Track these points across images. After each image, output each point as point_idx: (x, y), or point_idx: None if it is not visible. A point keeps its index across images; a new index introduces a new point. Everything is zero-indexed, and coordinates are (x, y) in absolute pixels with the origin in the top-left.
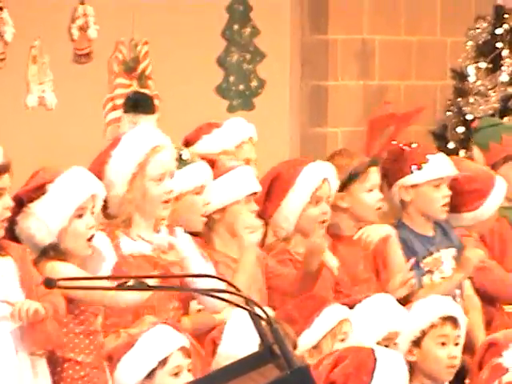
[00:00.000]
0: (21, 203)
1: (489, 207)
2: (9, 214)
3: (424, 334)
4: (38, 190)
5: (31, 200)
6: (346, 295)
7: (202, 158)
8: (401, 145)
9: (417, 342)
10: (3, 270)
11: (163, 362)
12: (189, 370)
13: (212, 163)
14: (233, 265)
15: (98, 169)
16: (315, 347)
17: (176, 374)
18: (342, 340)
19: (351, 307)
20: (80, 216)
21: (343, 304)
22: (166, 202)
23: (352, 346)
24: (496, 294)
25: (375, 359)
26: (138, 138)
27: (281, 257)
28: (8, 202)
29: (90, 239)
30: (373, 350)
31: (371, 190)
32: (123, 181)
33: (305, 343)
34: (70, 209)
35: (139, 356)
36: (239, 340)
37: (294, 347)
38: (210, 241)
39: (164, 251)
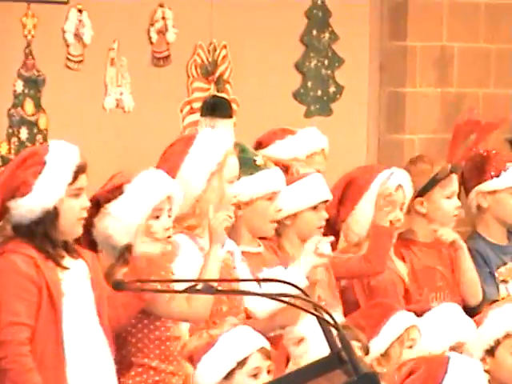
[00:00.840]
0: (98, 205)
1: None
2: (86, 214)
3: (498, 343)
4: (116, 191)
5: (108, 200)
6: (416, 302)
7: (276, 163)
8: (481, 151)
9: (490, 351)
10: (78, 272)
11: (242, 363)
12: (268, 372)
13: (285, 169)
14: None
15: (170, 167)
16: (383, 355)
17: (255, 376)
18: (410, 347)
19: (420, 315)
20: (157, 217)
21: (412, 310)
22: (233, 205)
23: (429, 355)
24: None
25: (446, 371)
26: (213, 138)
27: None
28: (85, 202)
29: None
30: (447, 360)
31: (450, 197)
32: (202, 180)
33: (373, 351)
34: (146, 209)
35: (218, 356)
36: (316, 346)
37: (367, 353)
38: (280, 246)
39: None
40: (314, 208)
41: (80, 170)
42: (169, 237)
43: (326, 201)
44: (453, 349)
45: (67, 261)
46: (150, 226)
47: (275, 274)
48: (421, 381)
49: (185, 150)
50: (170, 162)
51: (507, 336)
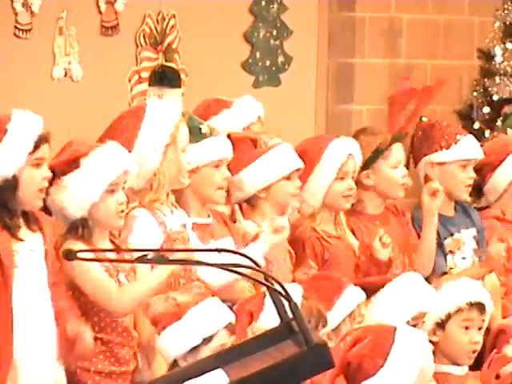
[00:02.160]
0: (53, 175)
1: (499, 179)
2: (47, 184)
3: (449, 317)
4: (72, 164)
5: (64, 173)
6: (364, 276)
7: (243, 138)
8: (432, 122)
9: (441, 324)
10: (33, 245)
11: (208, 340)
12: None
13: (253, 143)
14: None
15: (124, 143)
16: (334, 330)
17: None
18: (359, 323)
19: (381, 286)
20: (112, 192)
21: (373, 283)
22: (188, 172)
23: (374, 325)
24: None
25: (393, 341)
26: (164, 110)
27: (307, 235)
28: (47, 172)
29: (121, 212)
30: (393, 331)
31: (396, 167)
32: (158, 152)
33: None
34: (102, 184)
35: (185, 330)
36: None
37: (325, 323)
38: (256, 218)
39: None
40: (288, 178)
41: (42, 140)
42: (122, 211)
43: (298, 169)
44: (415, 319)
45: (24, 232)
46: (106, 202)
47: (224, 245)
48: (367, 350)
49: (137, 124)
50: (123, 137)
51: (459, 311)
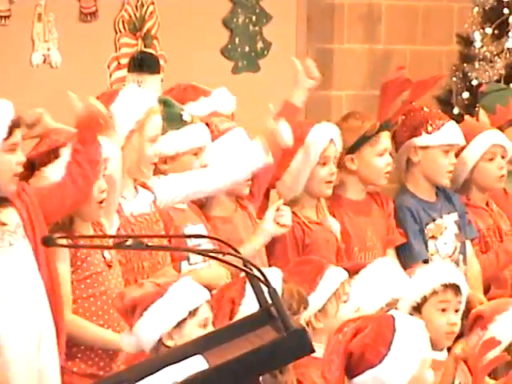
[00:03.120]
0: (33, 166)
1: (463, 164)
2: (21, 169)
3: (425, 300)
4: (52, 154)
5: (45, 163)
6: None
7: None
8: (416, 107)
9: (417, 308)
10: (10, 225)
11: (193, 313)
12: (212, 323)
13: (206, 126)
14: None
15: None
16: (320, 311)
17: (204, 326)
18: (345, 301)
19: (354, 272)
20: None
21: (346, 268)
22: (154, 164)
23: (372, 314)
24: None
25: (394, 330)
26: (136, 96)
27: None
28: (21, 157)
29: (101, 202)
30: (393, 319)
31: (382, 155)
32: (121, 137)
33: (311, 307)
34: None
35: (170, 305)
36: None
37: (306, 306)
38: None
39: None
40: None
41: (15, 125)
42: (103, 199)
43: None
44: (388, 305)
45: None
46: None
47: (199, 230)
48: (370, 340)
49: (106, 106)
50: None
51: (434, 293)
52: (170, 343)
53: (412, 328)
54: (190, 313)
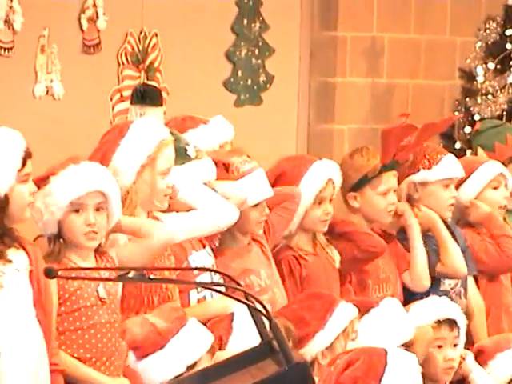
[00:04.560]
0: None
1: (468, 190)
2: (33, 199)
3: None
4: (43, 182)
5: (38, 189)
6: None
7: (216, 162)
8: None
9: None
10: (18, 264)
11: (192, 366)
12: None
13: (225, 167)
14: None
15: (103, 157)
16: (328, 348)
17: None
18: (353, 339)
19: (362, 309)
20: (77, 211)
21: (353, 303)
22: (167, 195)
23: (365, 347)
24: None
25: (386, 363)
26: (147, 130)
27: (283, 254)
28: (32, 187)
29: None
30: (385, 353)
31: (385, 194)
32: (132, 171)
33: (318, 345)
34: (63, 202)
35: (169, 359)
36: (249, 337)
37: (293, 342)
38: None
39: None
40: (255, 206)
41: (27, 155)
42: (94, 232)
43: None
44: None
45: (10, 252)
46: (70, 221)
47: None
48: (362, 372)
49: (116, 140)
50: (102, 152)
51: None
52: None
53: (404, 362)
54: (189, 367)
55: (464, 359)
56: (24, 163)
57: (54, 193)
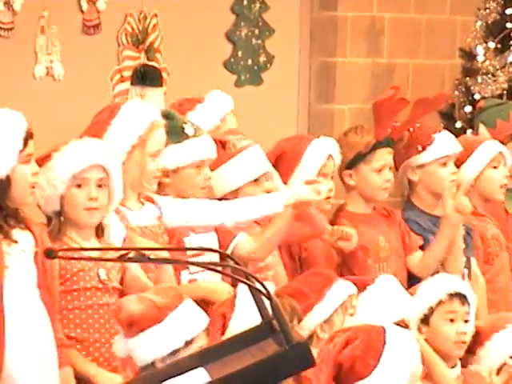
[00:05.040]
0: None
1: (468, 170)
2: (36, 179)
3: (432, 311)
4: (46, 159)
5: (39, 167)
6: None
7: (213, 140)
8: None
9: (425, 320)
10: (23, 244)
11: (189, 342)
12: None
13: (223, 144)
14: None
15: (93, 137)
16: (326, 321)
17: None
18: (352, 314)
19: (359, 287)
20: (79, 186)
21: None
22: (156, 177)
23: (364, 325)
24: None
25: (384, 342)
26: (138, 111)
27: None
28: (35, 167)
29: (32, 186)
30: (384, 331)
31: (379, 171)
32: (122, 151)
33: (317, 318)
34: (66, 176)
35: (167, 334)
36: (251, 315)
37: (299, 320)
38: None
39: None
40: (255, 181)
41: (29, 136)
42: (95, 208)
43: (267, 172)
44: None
45: (15, 233)
46: (72, 195)
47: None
48: (360, 351)
49: (108, 120)
50: (93, 131)
51: (440, 303)
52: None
53: (403, 340)
54: (187, 342)
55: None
56: (25, 144)
57: (57, 167)
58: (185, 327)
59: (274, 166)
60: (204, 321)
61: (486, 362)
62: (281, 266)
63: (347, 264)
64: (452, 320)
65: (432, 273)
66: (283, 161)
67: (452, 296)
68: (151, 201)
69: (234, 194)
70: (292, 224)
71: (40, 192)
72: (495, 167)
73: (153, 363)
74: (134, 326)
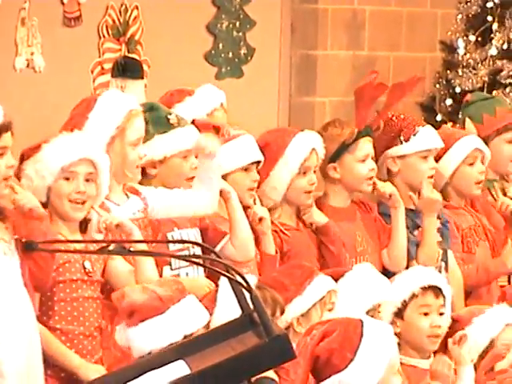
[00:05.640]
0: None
1: (444, 167)
2: (12, 173)
3: (406, 304)
4: (35, 150)
5: (27, 158)
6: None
7: (206, 125)
8: (389, 115)
9: (399, 314)
10: (4, 234)
11: (187, 337)
12: None
13: (216, 130)
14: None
15: (72, 131)
16: (304, 315)
17: None
18: (330, 310)
19: (336, 279)
20: (67, 179)
21: (328, 275)
22: (138, 166)
23: (341, 318)
24: None
25: (361, 335)
26: (114, 101)
27: None
28: (10, 161)
29: (6, 179)
30: (361, 324)
31: (363, 161)
32: (102, 144)
33: (294, 310)
34: (55, 168)
35: (167, 326)
36: (233, 308)
37: (282, 312)
38: None
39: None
40: (245, 170)
41: (3, 129)
42: (82, 202)
43: (259, 162)
44: (371, 311)
45: None
46: (59, 187)
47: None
48: (337, 344)
49: (85, 114)
50: (71, 126)
51: (413, 296)
52: None
53: (380, 333)
54: (185, 337)
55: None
56: None
57: (46, 158)
58: (185, 321)
59: None
60: (205, 317)
61: (468, 347)
62: (255, 263)
63: (325, 257)
64: (426, 314)
65: (405, 266)
66: (266, 153)
67: (426, 289)
68: (136, 192)
69: (223, 178)
70: None
71: (28, 182)
72: (471, 164)
73: (149, 354)
74: (135, 314)
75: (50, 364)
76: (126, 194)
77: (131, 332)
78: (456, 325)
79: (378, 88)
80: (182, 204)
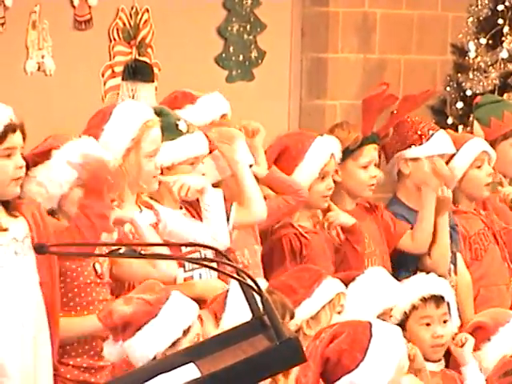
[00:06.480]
0: (27, 166)
1: (459, 161)
2: (22, 173)
3: (407, 316)
4: (44, 155)
5: (35, 164)
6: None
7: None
8: (404, 117)
9: (401, 325)
10: (16, 232)
11: (187, 331)
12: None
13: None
14: None
15: None
16: (313, 318)
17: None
18: (339, 312)
19: (346, 283)
20: (82, 186)
21: (338, 278)
22: (155, 177)
23: (350, 320)
24: None
25: (370, 336)
26: (129, 113)
27: (284, 231)
28: (20, 161)
29: (17, 179)
30: (370, 326)
31: (365, 167)
32: (117, 156)
33: (304, 313)
34: (70, 177)
35: (164, 326)
36: (243, 311)
37: (291, 317)
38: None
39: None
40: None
41: (9, 130)
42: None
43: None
44: (382, 315)
45: (5, 221)
46: (76, 195)
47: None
48: (346, 345)
49: (100, 126)
50: (88, 135)
51: (414, 308)
52: None
53: (389, 334)
54: (184, 331)
55: (463, 345)
56: (4, 137)
57: (60, 166)
58: (180, 317)
59: (275, 160)
60: (195, 308)
61: (493, 357)
62: (259, 268)
63: (346, 257)
64: (428, 324)
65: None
66: (285, 157)
67: (426, 300)
68: (150, 206)
69: (168, 170)
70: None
71: (40, 190)
72: (479, 167)
73: (154, 359)
74: (129, 326)
75: (69, 367)
76: (140, 207)
77: (129, 344)
78: (481, 332)
79: (387, 99)
80: (194, 235)
